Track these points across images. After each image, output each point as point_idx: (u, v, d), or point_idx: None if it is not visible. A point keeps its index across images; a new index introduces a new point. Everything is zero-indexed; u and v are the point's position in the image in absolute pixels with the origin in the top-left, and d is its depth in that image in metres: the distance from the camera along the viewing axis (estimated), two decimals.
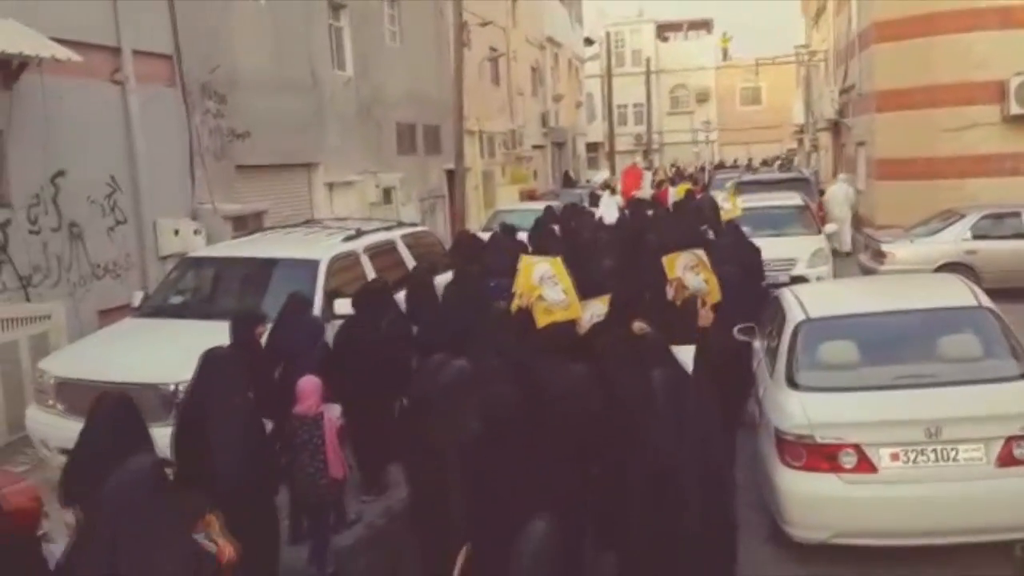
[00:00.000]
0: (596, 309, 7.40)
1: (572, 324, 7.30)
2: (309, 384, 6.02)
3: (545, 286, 7.59)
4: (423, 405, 5.18)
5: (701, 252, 8.43)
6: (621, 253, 10.84)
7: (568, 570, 3.27)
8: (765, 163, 45.81)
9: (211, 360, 5.37)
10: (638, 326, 6.69)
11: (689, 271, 8.17)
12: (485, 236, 13.51)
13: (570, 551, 3.32)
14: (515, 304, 7.77)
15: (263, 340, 6.87)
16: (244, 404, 5.29)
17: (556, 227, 14.28)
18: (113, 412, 4.60)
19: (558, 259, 7.95)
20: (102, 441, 4.41)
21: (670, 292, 8.17)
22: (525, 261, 8.09)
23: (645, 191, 26.06)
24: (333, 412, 6.15)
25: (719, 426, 4.85)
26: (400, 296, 8.85)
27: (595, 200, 23.41)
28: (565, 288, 7.56)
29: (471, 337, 6.86)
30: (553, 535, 3.26)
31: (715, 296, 7.94)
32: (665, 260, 8.34)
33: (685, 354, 5.89)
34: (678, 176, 38.09)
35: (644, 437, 4.54)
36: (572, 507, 3.59)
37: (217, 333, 7.23)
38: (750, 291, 8.86)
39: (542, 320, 7.46)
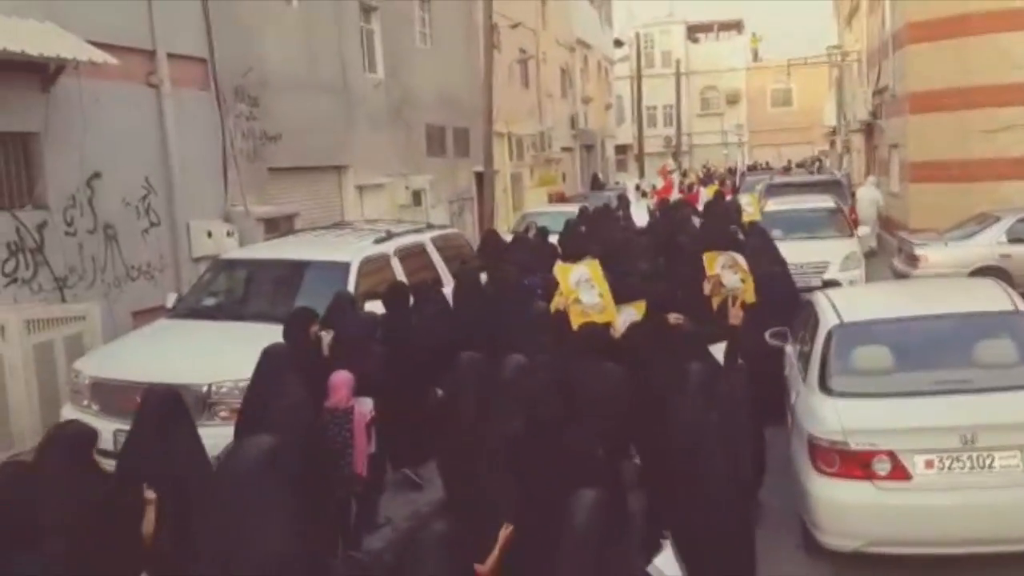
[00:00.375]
0: (629, 314, 7.48)
1: (607, 326, 7.33)
2: (340, 378, 6.03)
3: (582, 289, 7.73)
4: (475, 398, 5.27)
5: (739, 256, 8.60)
6: (654, 255, 10.88)
7: (611, 540, 3.35)
8: (801, 165, 45.52)
9: (270, 358, 5.44)
10: (674, 317, 6.82)
11: (727, 269, 8.41)
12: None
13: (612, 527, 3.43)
14: (554, 305, 7.89)
15: (325, 340, 6.80)
16: (302, 401, 5.34)
17: (583, 229, 14.33)
18: (160, 406, 4.66)
19: (595, 262, 8.09)
20: (151, 432, 4.50)
21: (707, 287, 8.36)
22: (561, 266, 8.24)
23: (674, 193, 26.06)
24: (365, 406, 6.16)
25: (747, 421, 4.91)
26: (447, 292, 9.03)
27: (624, 202, 23.38)
28: (601, 292, 7.70)
29: (511, 335, 6.96)
30: (601, 502, 3.40)
31: (750, 297, 8.14)
32: (706, 257, 8.60)
33: (717, 351, 5.97)
34: (708, 178, 37.96)
35: (676, 420, 4.72)
36: (609, 493, 3.67)
37: (249, 334, 7.31)
38: (782, 295, 8.84)
39: (577, 321, 7.51)
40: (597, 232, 14.09)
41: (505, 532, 4.18)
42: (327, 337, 6.75)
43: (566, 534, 3.32)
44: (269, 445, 3.67)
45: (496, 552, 4.12)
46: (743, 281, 8.30)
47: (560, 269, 8.21)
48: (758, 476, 6.31)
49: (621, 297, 7.86)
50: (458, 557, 3.33)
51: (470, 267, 10.14)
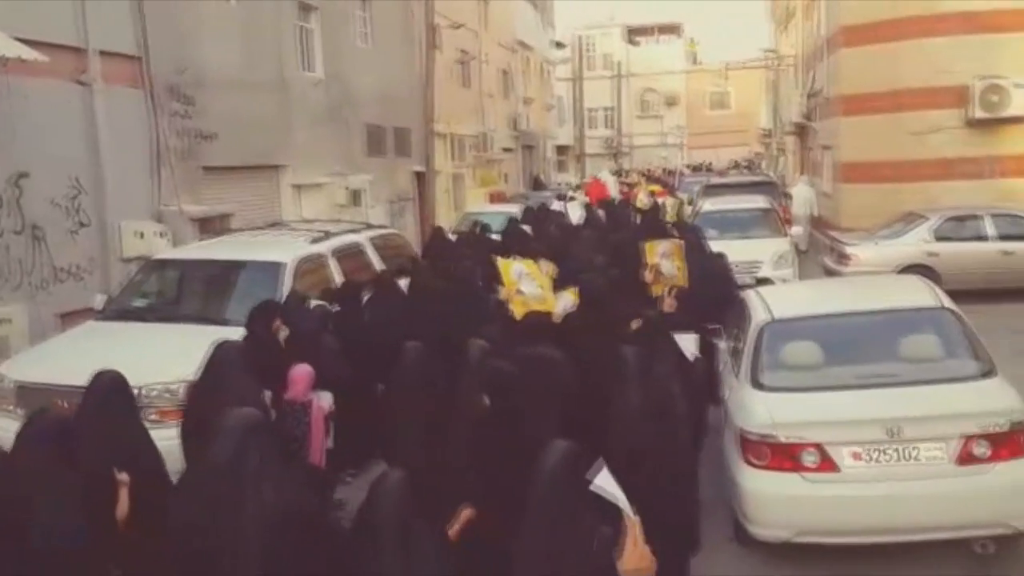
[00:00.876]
0: (567, 300, 7.66)
1: (549, 314, 7.42)
2: (299, 371, 6.06)
3: (523, 282, 7.96)
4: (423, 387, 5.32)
5: (680, 241, 9.08)
6: (593, 248, 11.05)
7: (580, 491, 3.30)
8: (737, 164, 46.27)
9: (221, 353, 5.32)
10: (635, 323, 6.87)
11: (665, 258, 8.83)
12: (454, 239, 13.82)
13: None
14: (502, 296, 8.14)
15: (282, 335, 6.76)
16: (255, 399, 5.19)
17: (527, 227, 14.45)
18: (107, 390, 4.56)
19: (530, 261, 8.33)
20: (101, 416, 4.40)
21: (648, 277, 8.68)
22: (501, 261, 8.40)
23: (613, 194, 26.40)
24: (324, 400, 6.21)
25: (683, 406, 4.99)
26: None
27: (561, 200, 23.80)
28: (540, 284, 7.96)
29: (460, 327, 6.92)
30: (572, 453, 3.39)
31: (682, 281, 8.56)
32: (646, 246, 8.95)
33: (686, 342, 6.17)
34: (648, 179, 38.40)
35: (616, 413, 4.77)
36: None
37: (181, 336, 7.20)
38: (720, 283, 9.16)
39: (519, 311, 7.67)
40: (541, 230, 14.31)
41: (467, 513, 4.19)
42: (283, 332, 6.75)
43: (536, 479, 3.32)
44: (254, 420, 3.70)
45: (456, 527, 4.15)
46: (678, 269, 8.73)
47: (501, 263, 8.36)
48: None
49: (561, 284, 8.11)
50: (414, 503, 3.36)
51: (422, 264, 10.29)
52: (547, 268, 8.56)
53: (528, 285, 7.96)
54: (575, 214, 19.87)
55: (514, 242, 12.11)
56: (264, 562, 3.39)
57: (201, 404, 5.21)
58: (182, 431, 5.39)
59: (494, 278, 8.50)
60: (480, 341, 5.60)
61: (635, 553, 3.20)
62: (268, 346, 6.39)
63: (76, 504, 3.79)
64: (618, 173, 39.74)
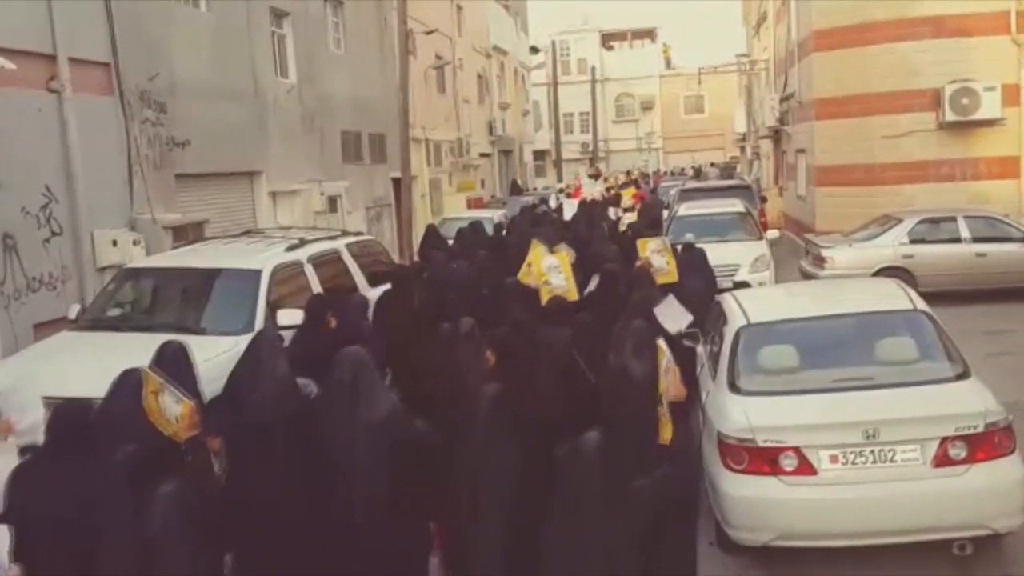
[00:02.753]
0: (551, 262, 9.00)
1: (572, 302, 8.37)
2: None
3: (551, 274, 8.93)
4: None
5: (667, 239, 10.25)
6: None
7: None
8: (714, 164, 46.61)
9: (261, 340, 5.55)
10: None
11: (656, 254, 9.65)
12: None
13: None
14: (521, 276, 9.10)
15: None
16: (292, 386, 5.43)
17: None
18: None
19: (564, 255, 9.26)
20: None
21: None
22: (536, 253, 9.25)
23: (596, 195, 27.27)
24: None
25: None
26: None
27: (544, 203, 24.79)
28: (566, 276, 8.92)
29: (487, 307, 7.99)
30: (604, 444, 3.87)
31: (671, 277, 9.32)
32: (639, 242, 10.02)
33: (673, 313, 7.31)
34: (629, 182, 38.72)
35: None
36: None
37: (156, 345, 7.09)
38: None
39: (545, 296, 8.51)
40: (541, 227, 14.54)
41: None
42: (333, 322, 7.56)
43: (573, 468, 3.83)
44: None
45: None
46: (668, 264, 9.53)
47: (536, 253, 9.23)
48: None
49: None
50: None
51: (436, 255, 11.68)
52: (568, 254, 9.41)
53: (556, 277, 8.87)
54: (569, 211, 21.12)
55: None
56: (372, 462, 4.44)
57: (239, 387, 5.34)
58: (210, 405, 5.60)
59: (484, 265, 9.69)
60: (470, 319, 6.13)
61: (674, 385, 4.95)
62: (321, 337, 7.17)
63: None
64: (596, 176, 40.02)
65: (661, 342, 4.99)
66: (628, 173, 44.33)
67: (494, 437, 4.58)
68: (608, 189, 30.76)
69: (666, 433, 7.06)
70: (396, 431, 4.63)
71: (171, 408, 4.82)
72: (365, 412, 4.62)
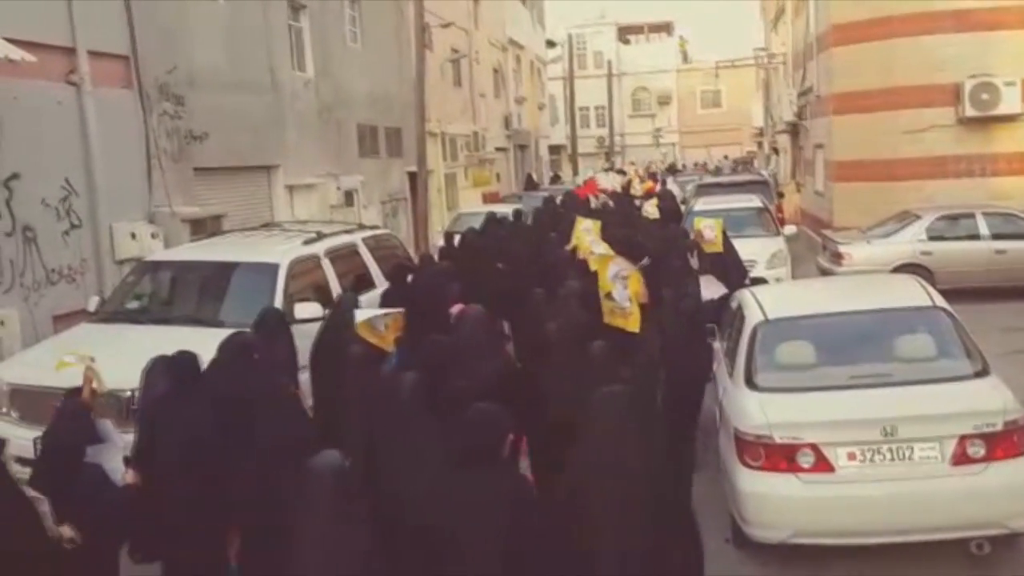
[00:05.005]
0: (618, 266, 8.29)
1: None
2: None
3: (616, 285, 7.95)
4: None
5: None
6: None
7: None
8: (726, 157, 46.53)
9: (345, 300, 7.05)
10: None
11: (707, 228, 10.81)
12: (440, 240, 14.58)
13: None
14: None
15: None
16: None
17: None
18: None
19: (636, 274, 8.23)
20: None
21: (694, 263, 9.96)
22: (601, 257, 8.99)
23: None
24: None
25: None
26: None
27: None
28: (632, 295, 7.87)
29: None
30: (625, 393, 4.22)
31: (718, 248, 10.59)
32: (695, 220, 11.73)
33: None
34: (649, 176, 38.82)
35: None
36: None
37: (175, 338, 7.13)
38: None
39: (607, 317, 7.89)
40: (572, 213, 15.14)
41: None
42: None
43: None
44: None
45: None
46: (716, 236, 10.65)
47: (600, 258, 8.91)
48: None
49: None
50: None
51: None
52: (640, 272, 8.45)
53: (620, 292, 7.90)
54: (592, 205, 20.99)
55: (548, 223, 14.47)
56: None
57: (329, 341, 6.82)
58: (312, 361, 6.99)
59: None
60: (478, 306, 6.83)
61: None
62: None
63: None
64: (611, 169, 40.07)
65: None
66: (648, 168, 44.37)
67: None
68: (628, 182, 30.91)
69: (633, 324, 7.49)
70: None
71: (378, 324, 6.90)
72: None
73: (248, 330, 6.53)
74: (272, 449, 4.76)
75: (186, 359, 5.45)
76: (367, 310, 7.29)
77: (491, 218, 15.02)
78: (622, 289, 7.90)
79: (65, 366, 5.85)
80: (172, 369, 5.44)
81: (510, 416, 4.18)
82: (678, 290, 8.08)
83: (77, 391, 5.37)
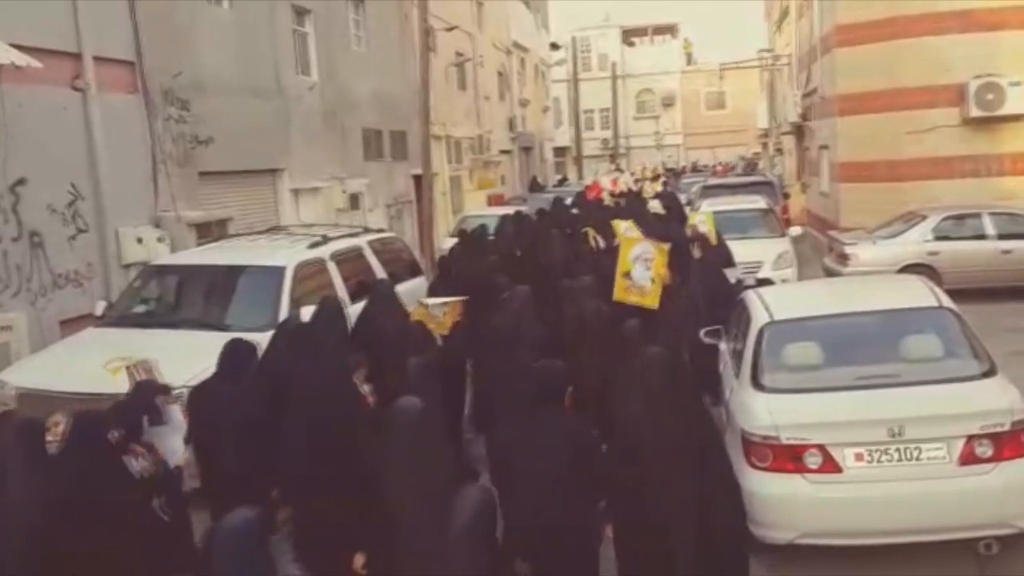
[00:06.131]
0: (645, 248, 8.70)
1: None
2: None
3: (637, 266, 8.41)
4: None
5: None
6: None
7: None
8: (743, 159, 46.54)
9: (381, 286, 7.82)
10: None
11: (701, 223, 11.95)
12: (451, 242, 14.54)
13: None
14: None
15: None
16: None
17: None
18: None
19: (666, 248, 8.90)
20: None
21: (696, 253, 10.14)
22: (625, 238, 9.41)
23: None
24: None
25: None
26: None
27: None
28: (654, 275, 8.37)
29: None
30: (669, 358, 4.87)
31: (712, 240, 11.08)
32: (691, 213, 12.56)
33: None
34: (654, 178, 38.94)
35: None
36: None
37: (181, 342, 7.17)
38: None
39: (619, 293, 8.40)
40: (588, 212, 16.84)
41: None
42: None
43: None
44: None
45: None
46: (709, 231, 11.48)
47: (624, 238, 9.38)
48: None
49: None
50: None
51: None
52: (667, 249, 9.04)
53: (640, 272, 8.36)
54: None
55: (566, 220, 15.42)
56: None
57: (369, 324, 7.52)
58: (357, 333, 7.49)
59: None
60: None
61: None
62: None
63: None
64: (616, 170, 40.20)
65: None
66: (654, 169, 44.41)
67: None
68: (636, 181, 31.29)
69: (651, 300, 8.26)
70: None
71: (436, 310, 7.69)
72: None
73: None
74: (324, 429, 5.13)
75: (244, 344, 5.88)
76: (434, 298, 8.24)
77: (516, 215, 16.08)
78: (643, 270, 8.38)
79: (118, 371, 6.20)
80: (229, 353, 5.82)
81: (570, 371, 4.84)
82: (683, 276, 9.01)
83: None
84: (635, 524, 4.44)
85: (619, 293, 8.50)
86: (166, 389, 5.72)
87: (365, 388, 5.99)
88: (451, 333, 7.73)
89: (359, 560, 4.36)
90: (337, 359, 5.89)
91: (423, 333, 7.30)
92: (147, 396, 5.44)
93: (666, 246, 9.09)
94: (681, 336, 7.14)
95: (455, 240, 14.25)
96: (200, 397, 5.74)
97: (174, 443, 5.33)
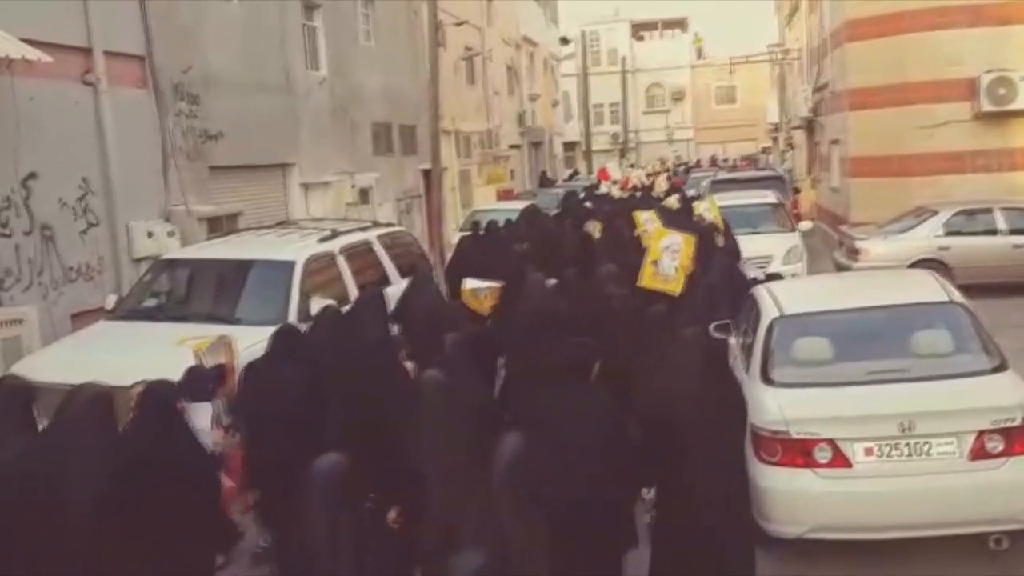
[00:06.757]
0: (675, 239, 9.27)
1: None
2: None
3: (665, 255, 9.05)
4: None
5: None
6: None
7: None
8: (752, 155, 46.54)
9: (421, 270, 8.60)
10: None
11: (706, 211, 12.47)
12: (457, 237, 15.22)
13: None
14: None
15: None
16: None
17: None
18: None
19: (693, 239, 9.45)
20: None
21: (720, 241, 10.85)
22: (658, 229, 10.02)
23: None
24: None
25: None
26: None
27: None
28: (680, 264, 8.99)
29: None
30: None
31: (720, 227, 11.52)
32: (694, 204, 13.19)
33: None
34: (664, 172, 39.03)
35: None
36: None
37: (192, 335, 7.18)
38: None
39: (645, 280, 9.02)
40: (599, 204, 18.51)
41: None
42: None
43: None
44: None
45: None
46: (715, 218, 11.94)
47: (656, 230, 10.01)
48: None
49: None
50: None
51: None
52: (694, 238, 9.66)
53: (668, 263, 8.97)
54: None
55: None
56: None
57: (412, 300, 8.38)
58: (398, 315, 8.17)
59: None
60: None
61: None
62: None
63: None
64: (630, 165, 40.48)
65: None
66: (662, 164, 44.44)
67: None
68: (648, 176, 31.71)
69: (674, 287, 8.89)
70: None
71: (480, 293, 8.56)
72: None
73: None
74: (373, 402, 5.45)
75: (288, 328, 6.37)
76: (473, 280, 9.10)
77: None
78: (669, 260, 8.96)
79: (202, 347, 6.60)
80: (275, 336, 6.20)
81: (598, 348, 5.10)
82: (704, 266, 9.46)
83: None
84: (670, 489, 4.90)
85: (646, 279, 9.01)
86: (228, 368, 6.23)
87: (408, 365, 6.33)
88: (489, 315, 8.63)
89: (393, 513, 4.79)
90: (384, 339, 6.33)
91: (459, 311, 8.08)
92: (206, 376, 5.84)
93: (693, 237, 9.57)
94: (700, 321, 7.42)
95: (466, 233, 14.70)
96: (253, 377, 6.06)
97: (202, 421, 5.48)
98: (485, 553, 3.19)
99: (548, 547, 3.62)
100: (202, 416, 5.42)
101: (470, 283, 8.91)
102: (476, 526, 3.55)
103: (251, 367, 6.14)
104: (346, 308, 7.82)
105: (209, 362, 6.40)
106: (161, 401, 4.65)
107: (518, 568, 3.32)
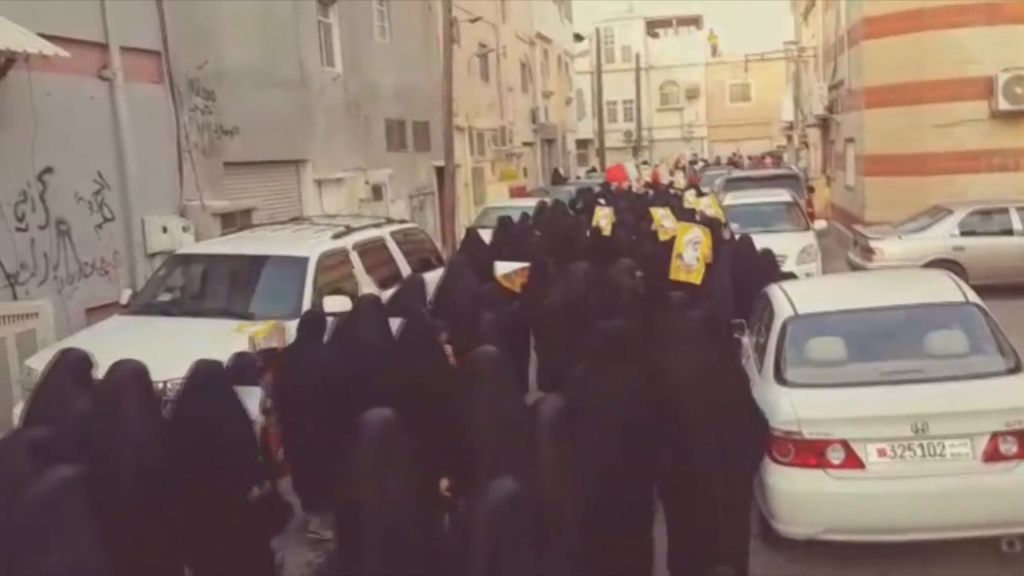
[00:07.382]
0: (695, 235, 10.03)
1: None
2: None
3: (688, 248, 9.82)
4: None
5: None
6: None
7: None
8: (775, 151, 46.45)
9: (456, 260, 9.72)
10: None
11: (707, 208, 13.20)
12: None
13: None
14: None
15: None
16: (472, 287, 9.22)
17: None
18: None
19: (708, 234, 10.18)
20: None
21: (727, 233, 11.97)
22: (683, 224, 10.61)
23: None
24: None
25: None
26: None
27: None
28: (700, 255, 9.76)
29: None
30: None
31: (721, 219, 12.45)
32: (693, 200, 13.82)
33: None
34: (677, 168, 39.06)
35: None
36: None
37: (205, 330, 7.23)
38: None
39: (673, 273, 9.78)
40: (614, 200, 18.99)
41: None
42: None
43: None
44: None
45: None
46: (716, 212, 12.98)
47: (682, 225, 10.65)
48: None
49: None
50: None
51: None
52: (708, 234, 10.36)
53: (690, 254, 9.75)
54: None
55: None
56: None
57: (449, 287, 9.12)
58: (436, 302, 8.85)
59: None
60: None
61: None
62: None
63: None
64: (643, 163, 40.53)
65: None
66: (677, 161, 44.34)
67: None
68: (671, 172, 32.29)
69: (696, 277, 9.71)
70: None
71: (512, 274, 9.34)
72: None
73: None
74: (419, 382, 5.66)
75: (315, 314, 6.87)
76: (506, 263, 9.74)
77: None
78: (692, 252, 9.75)
79: (260, 334, 7.06)
80: (302, 322, 6.67)
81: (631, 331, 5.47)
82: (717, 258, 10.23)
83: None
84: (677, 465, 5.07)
85: (674, 272, 9.78)
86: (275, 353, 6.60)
87: (447, 348, 6.65)
88: (522, 292, 9.32)
89: (444, 483, 5.05)
90: (425, 322, 6.62)
91: (494, 294, 8.60)
92: (253, 361, 6.08)
93: (708, 230, 10.40)
94: (719, 306, 8.05)
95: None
96: (287, 360, 6.42)
97: (252, 405, 5.64)
98: (520, 480, 3.29)
99: (584, 490, 3.99)
100: (250, 399, 5.57)
101: (501, 267, 9.52)
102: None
103: (286, 351, 6.66)
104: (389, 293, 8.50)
105: (263, 346, 6.82)
106: (212, 376, 4.92)
107: (552, 496, 3.36)
